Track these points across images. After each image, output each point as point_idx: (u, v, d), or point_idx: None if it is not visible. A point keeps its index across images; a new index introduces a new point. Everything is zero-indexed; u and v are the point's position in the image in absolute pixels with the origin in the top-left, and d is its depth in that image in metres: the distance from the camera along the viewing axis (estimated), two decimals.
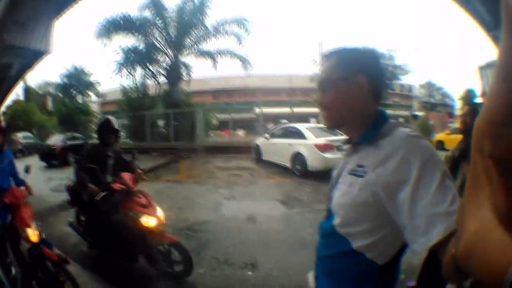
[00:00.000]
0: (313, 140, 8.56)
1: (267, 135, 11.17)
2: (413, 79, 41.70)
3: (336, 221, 0.98)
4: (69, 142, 14.95)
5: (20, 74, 8.92)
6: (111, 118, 3.51)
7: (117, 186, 3.04)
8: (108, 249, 3.26)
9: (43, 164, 14.02)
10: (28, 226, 2.83)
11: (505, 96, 0.33)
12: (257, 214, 5.40)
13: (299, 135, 9.20)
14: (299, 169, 8.71)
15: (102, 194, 2.96)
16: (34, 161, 14.17)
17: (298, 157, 8.79)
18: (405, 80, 26.53)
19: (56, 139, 15.46)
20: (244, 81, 32.46)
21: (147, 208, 3.01)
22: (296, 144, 8.97)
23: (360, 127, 0.98)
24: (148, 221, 2.90)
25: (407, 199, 0.76)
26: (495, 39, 5.99)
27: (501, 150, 0.34)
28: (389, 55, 23.94)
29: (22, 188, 3.24)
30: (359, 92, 0.96)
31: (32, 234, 2.79)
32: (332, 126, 1.07)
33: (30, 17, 6.52)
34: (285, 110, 24.15)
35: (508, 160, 0.34)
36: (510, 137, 0.34)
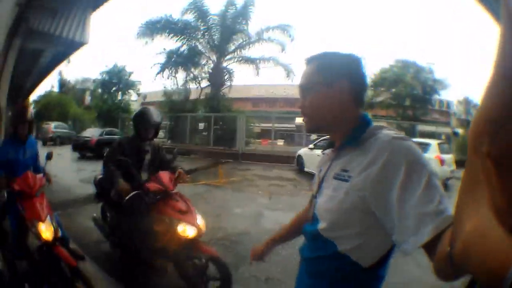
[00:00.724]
0: None
1: (311, 146, 10.82)
2: (450, 94, 39.91)
3: (322, 225, 0.97)
4: (106, 136, 15.14)
5: (53, 63, 9.03)
6: (151, 108, 3.09)
7: (152, 185, 2.63)
8: (134, 254, 2.84)
9: (77, 154, 14.39)
10: (41, 220, 2.48)
11: (502, 94, 0.33)
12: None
13: None
14: None
15: (133, 193, 2.57)
16: (66, 151, 14.65)
17: None
18: (443, 95, 25.25)
19: (92, 132, 15.88)
20: (286, 90, 32.25)
21: (186, 214, 2.56)
22: None
23: (343, 131, 1.00)
24: (186, 230, 2.46)
25: (395, 200, 0.76)
26: None
27: (499, 148, 0.34)
28: (428, 68, 22.87)
29: (40, 175, 2.92)
30: (340, 97, 0.97)
31: (45, 230, 2.45)
32: (313, 131, 1.08)
33: (64, 6, 6.47)
34: None
35: (507, 158, 0.34)
36: (508, 135, 0.33)
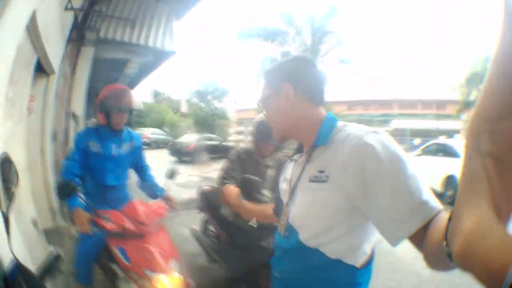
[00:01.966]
0: None
1: (418, 152, 9.26)
2: None
3: (304, 235, 0.92)
4: (205, 142, 15.58)
5: (142, 73, 9.31)
6: None
7: None
8: (242, 277, 2.43)
9: (173, 158, 14.81)
10: (161, 270, 1.60)
11: (501, 92, 0.33)
12: (405, 251, 3.81)
13: (452, 154, 7.29)
14: (450, 195, 6.83)
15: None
16: (162, 155, 15.32)
17: (451, 181, 6.95)
18: None
19: (190, 138, 16.24)
20: (379, 92, 30.68)
21: None
22: (451, 165, 7.06)
23: (310, 133, 0.96)
24: None
25: (378, 194, 0.74)
26: None
27: (499, 146, 0.34)
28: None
29: (157, 202, 2.08)
30: (288, 101, 0.96)
31: (167, 282, 1.57)
32: (281, 139, 1.06)
33: (143, 15, 6.52)
34: (427, 124, 21.68)
35: (507, 156, 0.34)
36: (508, 132, 0.33)
